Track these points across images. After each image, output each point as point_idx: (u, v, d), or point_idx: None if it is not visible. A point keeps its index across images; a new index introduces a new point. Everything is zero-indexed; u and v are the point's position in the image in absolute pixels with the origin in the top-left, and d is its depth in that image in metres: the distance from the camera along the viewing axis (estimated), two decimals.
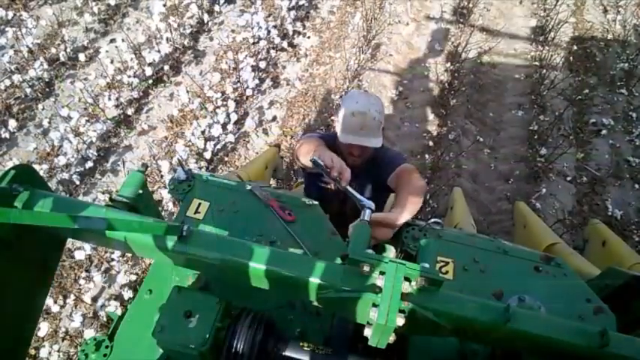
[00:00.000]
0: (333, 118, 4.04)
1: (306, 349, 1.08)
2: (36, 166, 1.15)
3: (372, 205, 1.36)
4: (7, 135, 3.77)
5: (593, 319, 1.32)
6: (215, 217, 1.52)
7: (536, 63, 4.72)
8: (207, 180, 1.63)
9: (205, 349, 1.01)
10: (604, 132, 4.11)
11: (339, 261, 1.10)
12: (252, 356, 1.04)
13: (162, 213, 3.25)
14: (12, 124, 3.78)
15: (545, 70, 4.55)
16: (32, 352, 2.76)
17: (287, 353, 1.07)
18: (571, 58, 4.75)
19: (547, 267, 1.48)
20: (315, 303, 1.03)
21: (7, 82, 4.08)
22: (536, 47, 4.88)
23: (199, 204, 1.55)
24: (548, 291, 1.40)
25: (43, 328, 2.81)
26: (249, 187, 1.61)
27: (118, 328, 1.31)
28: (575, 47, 4.85)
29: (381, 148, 1.96)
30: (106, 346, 1.25)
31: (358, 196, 1.39)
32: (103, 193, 3.57)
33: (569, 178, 3.81)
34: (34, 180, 1.11)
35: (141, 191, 1.37)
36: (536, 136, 4.09)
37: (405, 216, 1.47)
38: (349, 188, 1.43)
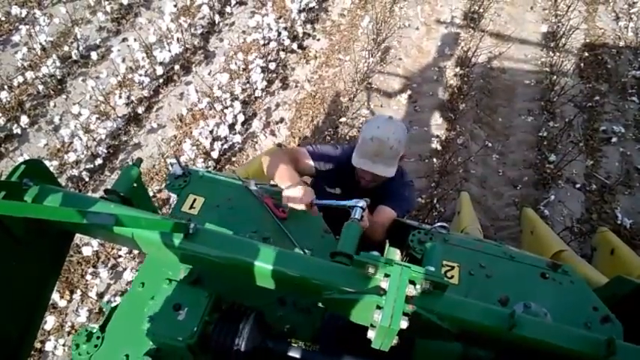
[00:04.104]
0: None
1: (293, 345, 1.08)
2: (46, 162, 1.16)
3: (363, 202, 1.41)
4: (18, 131, 3.82)
5: (600, 327, 1.31)
6: (210, 212, 1.53)
7: (547, 69, 4.69)
8: (202, 176, 1.64)
9: (193, 341, 1.02)
10: (614, 140, 4.07)
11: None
12: (239, 350, 1.04)
13: (170, 210, 3.27)
14: (24, 120, 3.83)
15: (555, 77, 4.52)
16: (38, 345, 2.79)
17: (274, 348, 1.08)
18: (582, 64, 4.72)
19: (554, 274, 1.46)
20: (320, 304, 1.03)
21: (21, 79, 4.13)
22: (547, 53, 4.85)
23: (195, 199, 1.56)
24: (554, 298, 1.39)
25: (50, 322, 2.83)
26: (244, 184, 1.62)
27: (110, 320, 1.32)
28: (586, 54, 4.81)
29: (400, 182, 1.95)
30: (97, 337, 1.26)
31: (343, 202, 1.44)
32: None
33: (578, 186, 3.77)
34: (44, 175, 1.13)
35: (135, 185, 1.37)
36: (545, 143, 4.06)
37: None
38: (329, 202, 1.51)
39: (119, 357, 1.21)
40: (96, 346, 1.25)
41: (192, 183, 1.61)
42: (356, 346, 1.07)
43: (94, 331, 1.26)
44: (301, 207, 1.52)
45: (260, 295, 1.17)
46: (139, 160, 1.44)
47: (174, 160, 1.67)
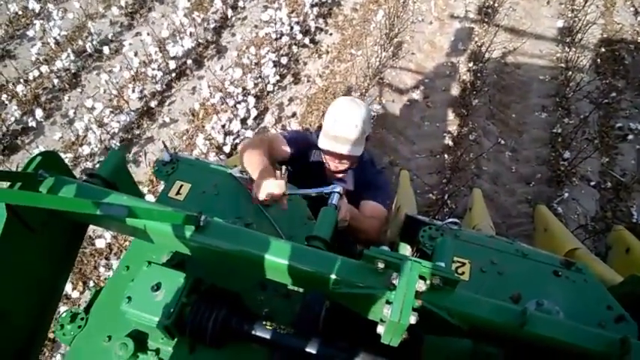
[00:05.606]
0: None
1: (268, 327, 1.10)
2: (61, 155, 1.17)
3: (340, 188, 1.40)
4: (34, 124, 3.87)
5: (614, 326, 1.29)
6: (195, 198, 1.55)
7: (562, 65, 4.61)
8: (190, 163, 1.66)
9: (169, 322, 1.04)
10: (630, 137, 4.00)
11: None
12: (214, 332, 1.06)
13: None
14: (39, 113, 3.88)
15: (571, 73, 4.44)
16: (51, 335, 2.84)
17: (249, 331, 1.09)
18: (598, 60, 4.63)
19: (567, 272, 1.45)
20: (337, 298, 1.03)
21: (36, 73, 4.19)
22: (563, 49, 4.77)
23: (181, 186, 1.58)
24: (567, 296, 1.37)
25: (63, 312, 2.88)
26: (229, 171, 1.63)
27: (94, 302, 1.34)
28: (603, 49, 4.72)
29: (373, 168, 1.96)
30: (81, 318, 1.29)
31: (318, 190, 1.43)
32: None
33: (592, 183, 3.71)
34: (59, 167, 1.14)
35: (119, 170, 1.38)
36: (559, 139, 4.00)
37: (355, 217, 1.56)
38: (305, 191, 1.48)
39: (101, 338, 1.23)
40: (80, 326, 1.27)
41: (180, 170, 1.63)
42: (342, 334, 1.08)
43: (79, 312, 1.29)
44: (271, 198, 1.47)
45: (241, 278, 1.18)
46: (124, 146, 1.46)
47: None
